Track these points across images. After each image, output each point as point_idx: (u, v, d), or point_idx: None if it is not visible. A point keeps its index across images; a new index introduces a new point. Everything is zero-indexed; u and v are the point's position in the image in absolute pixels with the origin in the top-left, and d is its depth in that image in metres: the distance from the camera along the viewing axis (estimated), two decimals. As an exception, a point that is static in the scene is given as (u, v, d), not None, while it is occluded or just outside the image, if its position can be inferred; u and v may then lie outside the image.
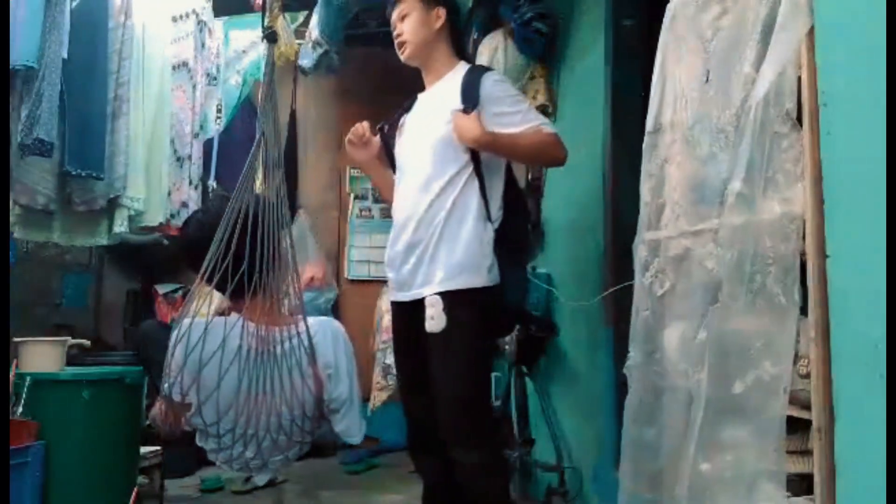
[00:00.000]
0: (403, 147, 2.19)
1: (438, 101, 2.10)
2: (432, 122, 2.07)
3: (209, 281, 2.05)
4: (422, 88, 2.21)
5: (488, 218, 2.01)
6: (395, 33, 2.16)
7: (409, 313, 2.04)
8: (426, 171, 2.05)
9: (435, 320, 1.92)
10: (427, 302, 1.94)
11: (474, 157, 2.02)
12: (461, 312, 1.92)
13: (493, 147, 2.00)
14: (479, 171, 2.02)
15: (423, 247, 2.00)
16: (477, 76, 2.07)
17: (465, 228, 1.97)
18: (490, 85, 2.04)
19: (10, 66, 2.44)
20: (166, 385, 2.06)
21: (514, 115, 2.03)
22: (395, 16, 2.16)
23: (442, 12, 2.13)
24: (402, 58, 2.17)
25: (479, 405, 2.00)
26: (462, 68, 2.14)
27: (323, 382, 2.18)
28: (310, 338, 2.11)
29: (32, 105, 2.52)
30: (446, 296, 1.92)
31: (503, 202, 2.06)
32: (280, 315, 2.13)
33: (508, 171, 2.12)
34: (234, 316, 2.12)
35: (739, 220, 1.40)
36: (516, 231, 2.10)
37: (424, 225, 2.00)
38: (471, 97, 2.01)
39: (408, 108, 2.25)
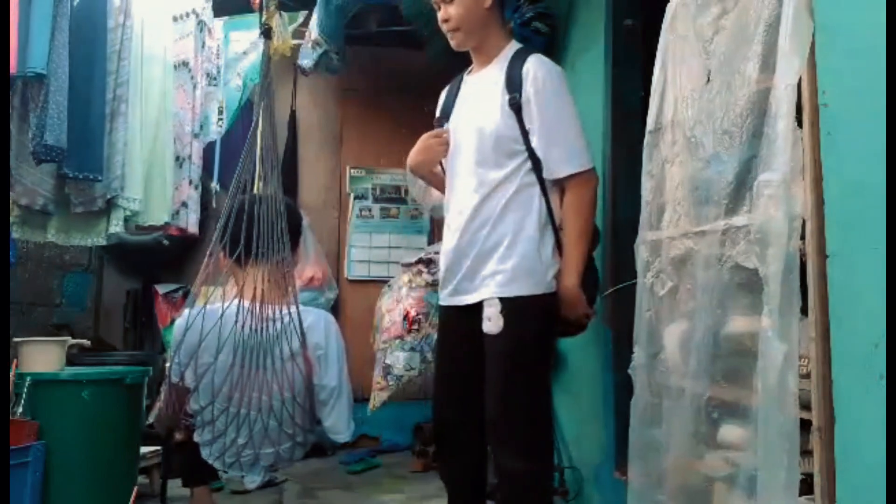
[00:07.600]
0: (452, 139, 2.05)
1: (489, 91, 1.97)
2: (483, 113, 1.94)
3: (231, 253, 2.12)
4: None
5: (551, 221, 1.92)
6: (440, 17, 1.99)
7: (460, 317, 1.97)
8: (477, 169, 1.94)
9: (492, 321, 1.87)
10: (485, 303, 1.89)
11: (531, 154, 1.91)
12: (519, 319, 1.86)
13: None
14: (538, 170, 1.91)
15: (477, 250, 1.92)
16: (520, 64, 1.94)
17: (525, 231, 1.89)
18: (530, 80, 1.91)
19: (22, 74, 2.43)
20: (168, 366, 2.14)
21: (536, 124, 1.90)
22: None
23: None
24: (453, 45, 2.03)
25: (532, 411, 1.91)
26: (511, 49, 2.01)
27: (313, 365, 2.21)
28: (300, 321, 2.14)
29: (41, 112, 2.51)
30: (505, 301, 1.86)
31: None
32: (275, 291, 2.15)
33: None
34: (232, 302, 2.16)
35: (739, 219, 1.40)
36: None
37: (479, 226, 1.92)
38: (514, 86, 1.91)
39: (455, 91, 2.11)
